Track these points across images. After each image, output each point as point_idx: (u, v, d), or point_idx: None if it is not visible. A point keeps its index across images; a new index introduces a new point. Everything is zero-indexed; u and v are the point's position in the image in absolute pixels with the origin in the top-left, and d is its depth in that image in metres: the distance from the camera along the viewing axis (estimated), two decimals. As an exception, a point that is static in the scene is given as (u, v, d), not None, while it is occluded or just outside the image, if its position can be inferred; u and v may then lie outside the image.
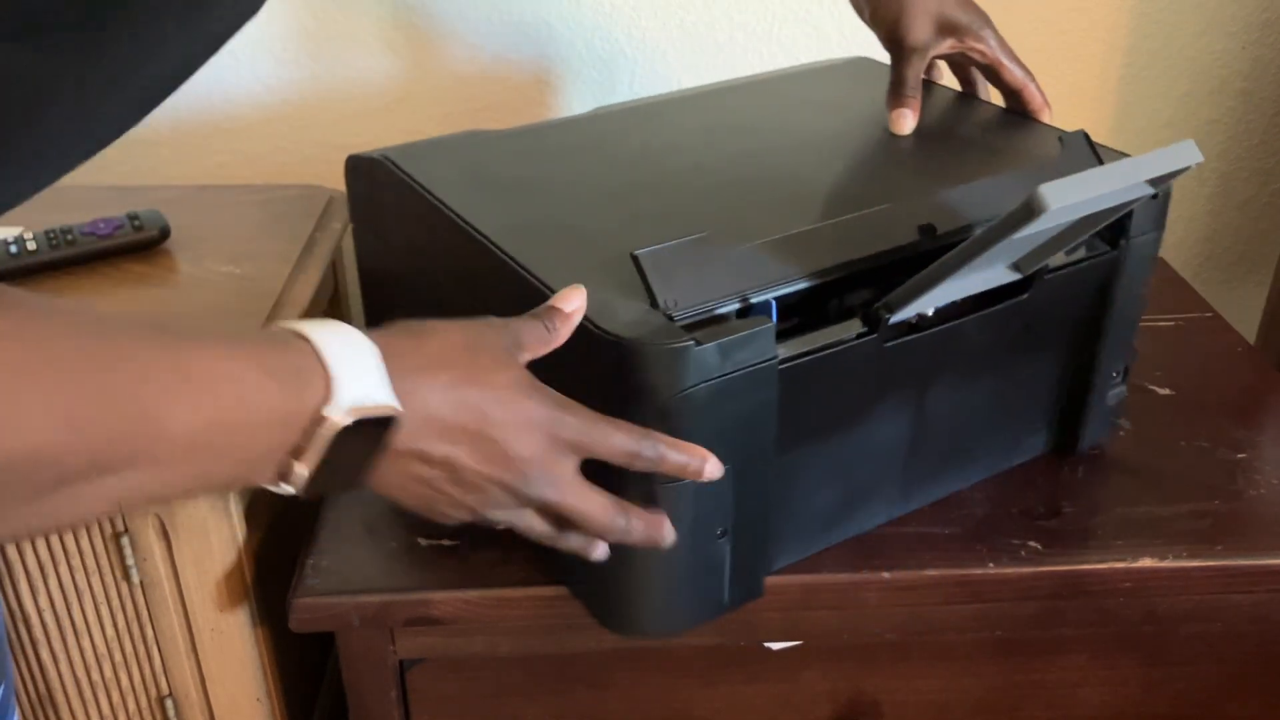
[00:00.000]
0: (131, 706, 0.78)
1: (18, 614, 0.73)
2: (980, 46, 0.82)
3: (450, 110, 1.12)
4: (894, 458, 0.71)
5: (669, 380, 0.57)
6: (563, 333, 0.56)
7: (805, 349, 0.63)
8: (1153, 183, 0.61)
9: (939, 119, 0.83)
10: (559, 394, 0.54)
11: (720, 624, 0.73)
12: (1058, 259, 0.70)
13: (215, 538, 0.72)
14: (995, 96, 0.86)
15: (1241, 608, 0.75)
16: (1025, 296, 0.69)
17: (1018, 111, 0.83)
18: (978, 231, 0.60)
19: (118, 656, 0.76)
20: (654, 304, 0.58)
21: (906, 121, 0.79)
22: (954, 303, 0.67)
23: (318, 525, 0.75)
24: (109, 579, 0.73)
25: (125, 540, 0.71)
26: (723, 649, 0.75)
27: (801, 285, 0.62)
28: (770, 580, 0.70)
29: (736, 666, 0.76)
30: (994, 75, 0.84)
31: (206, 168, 1.13)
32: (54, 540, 0.71)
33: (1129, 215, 0.71)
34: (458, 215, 0.68)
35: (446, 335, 0.52)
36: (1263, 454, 0.81)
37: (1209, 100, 1.17)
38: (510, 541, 0.72)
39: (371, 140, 1.13)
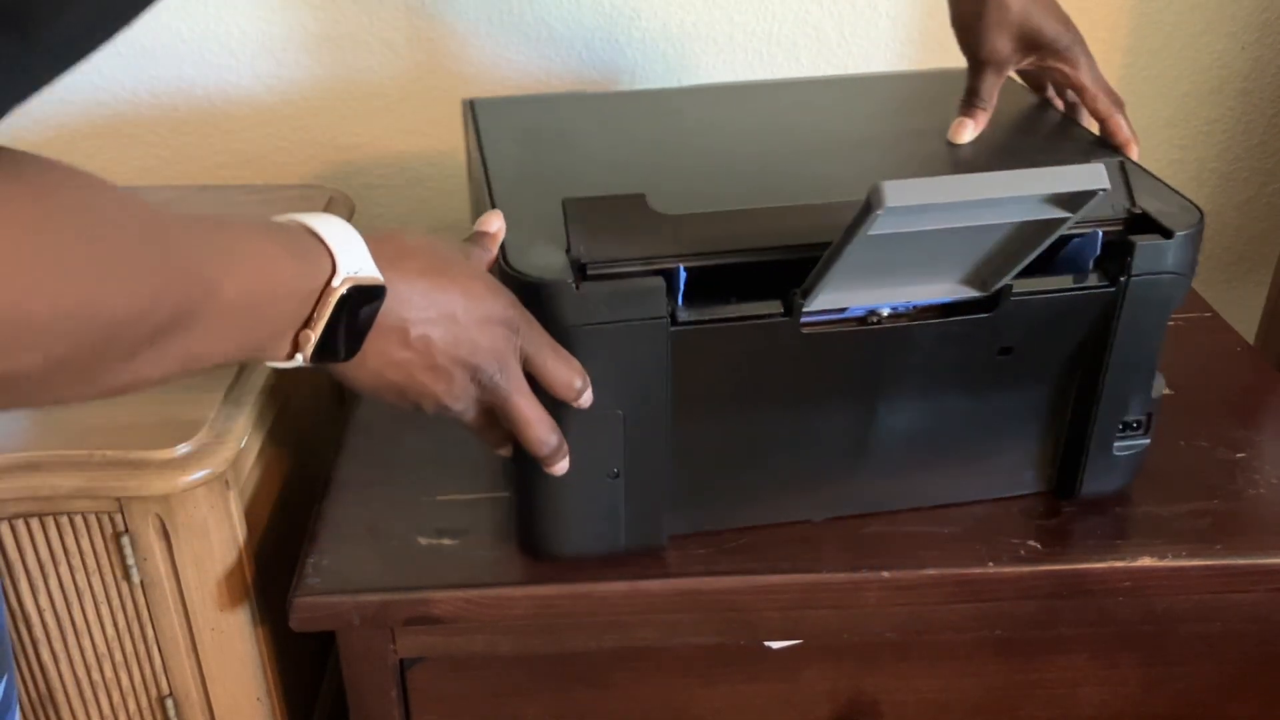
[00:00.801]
0: (132, 706, 0.78)
1: (18, 614, 0.73)
2: (1063, 67, 0.77)
3: (450, 111, 1.12)
4: (834, 454, 0.71)
5: (551, 315, 0.61)
6: (493, 250, 0.64)
7: (713, 317, 0.64)
8: (1060, 204, 0.59)
9: (1003, 132, 0.80)
10: (518, 300, 0.60)
11: (720, 623, 0.73)
12: (1033, 284, 0.67)
13: (215, 537, 0.72)
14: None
15: (1241, 607, 0.75)
16: (989, 315, 0.67)
17: (1108, 144, 0.78)
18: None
19: (118, 656, 0.76)
20: (568, 250, 0.63)
21: (964, 132, 0.77)
22: (917, 308, 0.67)
23: (318, 524, 0.75)
24: (109, 579, 0.73)
25: (125, 540, 0.71)
26: (723, 648, 0.75)
27: (719, 260, 0.64)
28: (770, 579, 0.70)
29: (736, 666, 0.76)
30: (1081, 99, 0.79)
31: (206, 168, 1.13)
32: (54, 540, 0.71)
33: (1129, 251, 0.66)
34: (484, 157, 0.75)
35: (416, 236, 0.58)
36: (1262, 453, 0.81)
37: (1208, 100, 1.17)
38: (509, 540, 0.73)
39: (371, 140, 1.13)
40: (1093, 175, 0.58)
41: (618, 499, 0.69)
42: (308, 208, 0.97)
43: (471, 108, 0.83)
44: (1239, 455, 0.81)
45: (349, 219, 0.99)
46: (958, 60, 1.18)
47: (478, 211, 0.79)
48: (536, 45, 1.10)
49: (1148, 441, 0.74)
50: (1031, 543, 0.72)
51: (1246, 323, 1.25)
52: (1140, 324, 0.69)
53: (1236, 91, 1.17)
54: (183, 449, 0.69)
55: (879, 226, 0.56)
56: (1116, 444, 0.73)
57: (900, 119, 0.85)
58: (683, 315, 0.64)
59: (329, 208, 0.99)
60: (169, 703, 0.78)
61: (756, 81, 0.93)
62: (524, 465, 0.66)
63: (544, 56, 1.10)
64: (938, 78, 0.92)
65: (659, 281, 0.62)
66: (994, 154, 0.77)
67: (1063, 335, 0.70)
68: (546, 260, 0.63)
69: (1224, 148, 1.20)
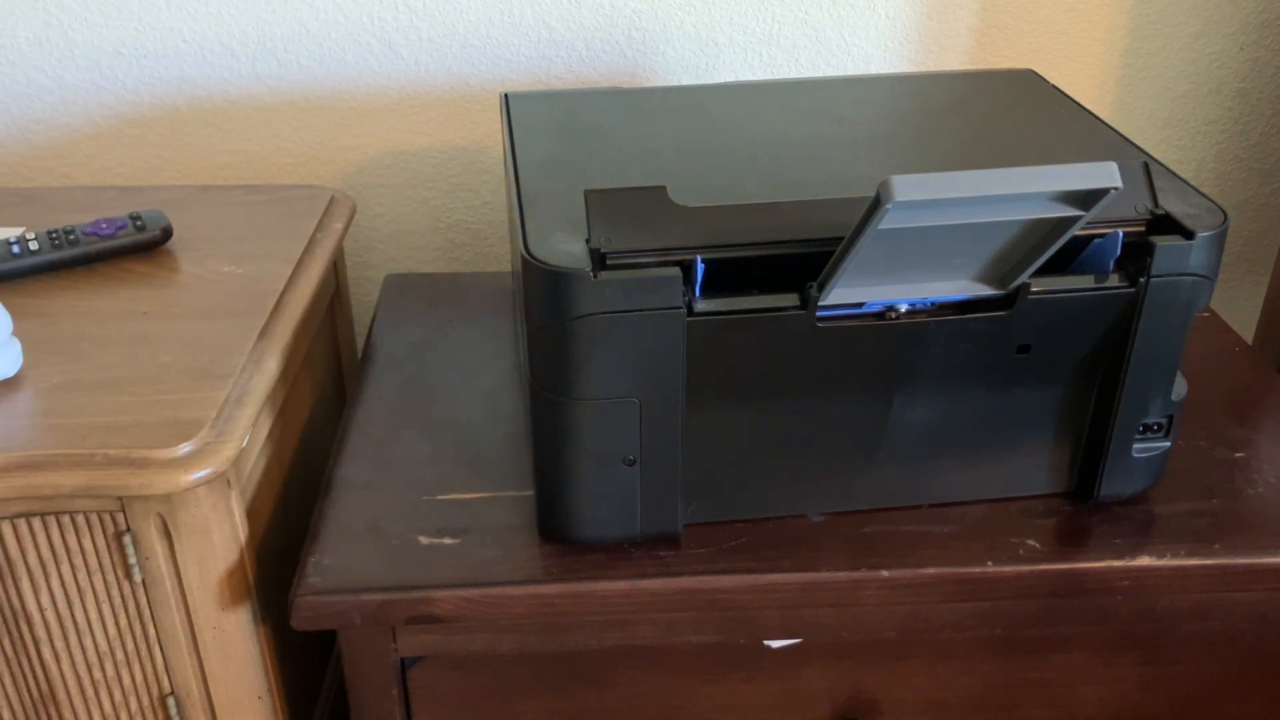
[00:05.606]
0: (134, 705, 0.78)
1: (20, 612, 0.73)
2: None
3: (451, 111, 1.12)
4: (849, 448, 0.72)
5: (568, 303, 0.63)
6: None
7: (729, 308, 0.65)
8: (1071, 202, 0.59)
9: (1030, 132, 0.81)
10: None
11: (720, 622, 0.73)
12: (1051, 283, 0.67)
13: (217, 536, 0.72)
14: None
15: (1239, 606, 0.75)
16: (1006, 313, 0.67)
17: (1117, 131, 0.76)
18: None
19: (120, 655, 0.76)
20: (588, 239, 0.64)
21: None
22: (934, 304, 0.67)
23: (319, 523, 0.75)
24: (111, 578, 0.73)
25: (127, 539, 0.71)
26: (723, 647, 0.75)
27: (737, 252, 0.65)
28: (770, 578, 0.70)
29: (736, 665, 0.76)
30: None
31: (208, 168, 1.13)
32: (56, 539, 0.71)
33: (1150, 252, 0.66)
34: (514, 148, 0.77)
35: None
36: (1260, 453, 0.81)
37: (1207, 101, 1.18)
38: (510, 539, 0.73)
39: (371, 140, 1.14)
40: (1102, 174, 0.58)
41: (634, 486, 0.69)
42: (309, 208, 0.97)
43: (506, 101, 0.86)
44: (1237, 455, 0.81)
45: (349, 219, 1.00)
46: (957, 62, 1.19)
47: (513, 201, 0.80)
48: (536, 45, 1.10)
49: (1168, 445, 0.74)
50: (1030, 542, 0.73)
51: (1245, 323, 1.26)
52: (1161, 326, 0.69)
53: (1234, 92, 1.17)
54: (185, 448, 0.69)
55: (889, 221, 0.57)
56: (1136, 446, 0.73)
57: (917, 119, 0.85)
58: (699, 306, 0.65)
59: (330, 208, 0.99)
60: (170, 701, 0.78)
61: (780, 80, 0.94)
62: (542, 452, 0.67)
63: (544, 57, 1.10)
64: (950, 79, 0.92)
65: (675, 271, 0.63)
66: (1016, 153, 0.77)
67: (1082, 335, 0.69)
68: (566, 249, 0.64)
69: (1222, 148, 1.20)
